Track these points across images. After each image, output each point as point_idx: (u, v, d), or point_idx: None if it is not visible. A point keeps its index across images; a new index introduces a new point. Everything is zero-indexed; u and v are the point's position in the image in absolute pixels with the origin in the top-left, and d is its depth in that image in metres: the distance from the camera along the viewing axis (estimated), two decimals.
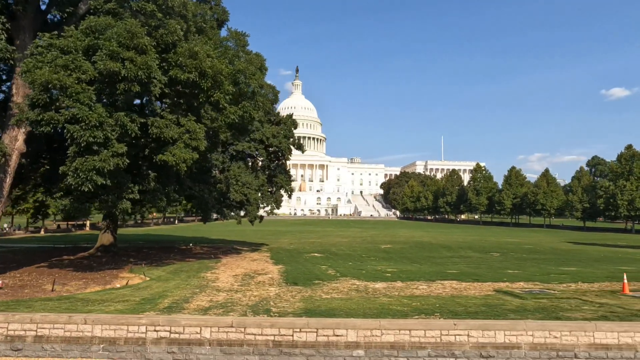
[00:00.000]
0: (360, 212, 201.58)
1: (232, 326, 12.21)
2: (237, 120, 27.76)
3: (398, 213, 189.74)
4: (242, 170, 40.34)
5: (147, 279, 26.75)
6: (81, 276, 28.03)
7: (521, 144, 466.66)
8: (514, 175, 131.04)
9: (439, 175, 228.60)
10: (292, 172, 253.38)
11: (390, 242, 60.92)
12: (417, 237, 72.54)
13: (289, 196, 51.16)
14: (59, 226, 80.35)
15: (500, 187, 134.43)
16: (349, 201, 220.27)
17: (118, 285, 24.02)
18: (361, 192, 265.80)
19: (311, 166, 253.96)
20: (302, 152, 47.26)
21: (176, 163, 25.88)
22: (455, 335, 12.04)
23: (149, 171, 29.54)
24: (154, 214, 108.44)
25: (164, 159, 25.99)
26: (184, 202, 43.49)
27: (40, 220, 69.96)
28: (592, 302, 19.29)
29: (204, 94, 26.65)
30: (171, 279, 27.02)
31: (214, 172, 40.18)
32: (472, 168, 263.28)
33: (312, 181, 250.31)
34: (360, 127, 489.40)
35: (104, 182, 23.71)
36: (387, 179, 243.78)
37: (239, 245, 55.01)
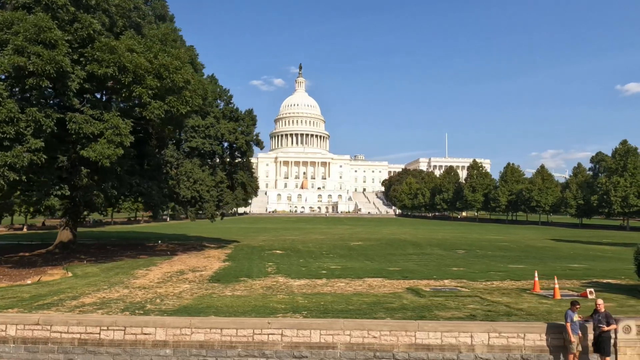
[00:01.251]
0: (360, 209, 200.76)
1: (38, 324, 11.86)
2: (162, 115, 27.38)
3: (398, 211, 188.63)
4: (195, 167, 40.00)
5: (69, 275, 26.60)
6: (9, 272, 27.95)
7: (534, 140, 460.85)
8: (509, 172, 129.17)
9: (440, 172, 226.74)
10: (294, 169, 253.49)
11: (364, 240, 60.25)
12: (397, 235, 71.76)
13: (255, 194, 50.74)
14: (43, 223, 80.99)
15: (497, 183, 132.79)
16: (349, 199, 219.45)
17: (29, 282, 23.83)
18: (364, 189, 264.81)
19: (313, 163, 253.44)
20: (261, 148, 46.73)
21: (98, 159, 25.59)
22: (268, 334, 11.53)
23: (82, 167, 29.34)
24: (146, 212, 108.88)
25: (85, 154, 25.76)
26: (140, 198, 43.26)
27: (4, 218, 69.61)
28: (489, 300, 18.62)
29: (126, 89, 26.35)
30: (95, 276, 26.81)
31: (167, 169, 39.91)
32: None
33: (314, 178, 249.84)
34: (367, 125, 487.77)
35: (18, 178, 23.51)
36: (390, 176, 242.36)
37: (210, 243, 54.82)
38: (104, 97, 28.05)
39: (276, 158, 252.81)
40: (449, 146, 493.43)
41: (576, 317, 11.52)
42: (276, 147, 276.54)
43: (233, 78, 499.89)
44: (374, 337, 11.45)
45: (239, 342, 11.43)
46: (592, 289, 19.15)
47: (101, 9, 26.50)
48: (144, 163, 40.04)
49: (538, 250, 48.59)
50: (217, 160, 45.54)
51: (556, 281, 19.91)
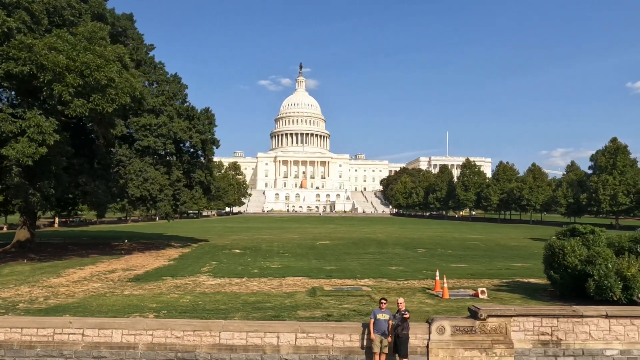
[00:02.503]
0: (357, 208, 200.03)
1: None
2: (86, 114, 27.25)
3: (394, 210, 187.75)
4: (146, 166, 39.89)
5: None
6: None
7: (544, 139, 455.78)
8: (502, 171, 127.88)
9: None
10: (293, 168, 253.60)
11: (335, 239, 59.89)
12: (374, 234, 71.32)
13: (211, 193, 50.62)
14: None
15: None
16: (347, 198, 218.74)
17: None
18: (365, 188, 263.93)
19: (312, 163, 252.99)
20: (217, 147, 46.48)
21: (18, 157, 25.52)
22: (69, 334, 11.28)
23: (13, 166, 29.30)
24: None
25: (5, 153, 25.72)
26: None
27: None
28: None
29: (47, 87, 26.24)
30: (18, 275, 26.90)
31: (119, 168, 39.82)
32: (478, 164, 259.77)
33: (313, 178, 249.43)
34: (370, 125, 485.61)
35: None
36: (388, 175, 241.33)
37: (179, 242, 54.88)
38: (28, 96, 27.94)
39: (275, 157, 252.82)
40: (454, 146, 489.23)
41: (381, 316, 11.08)
42: (276, 146, 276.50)
43: (241, 78, 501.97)
44: (177, 337, 11.16)
45: (39, 342, 11.23)
46: (484, 289, 18.66)
47: (22, 7, 26.40)
48: (94, 162, 40.07)
49: (503, 249, 47.97)
50: (175, 159, 45.39)
51: (445, 280, 19.48)
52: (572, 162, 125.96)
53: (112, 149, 40.59)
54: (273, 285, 23.31)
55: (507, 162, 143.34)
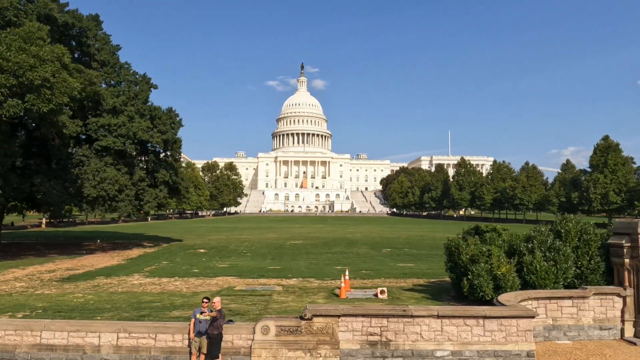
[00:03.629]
0: (355, 208, 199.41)
1: None
2: (21, 114, 27.33)
3: (391, 210, 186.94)
4: (105, 166, 39.97)
5: None
6: None
7: (554, 137, 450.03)
8: (496, 170, 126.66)
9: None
10: (294, 168, 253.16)
11: (309, 239, 59.65)
12: (352, 233, 71.07)
13: (180, 193, 50.68)
14: (12, 223, 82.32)
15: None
16: (347, 198, 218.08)
17: None
18: (366, 188, 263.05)
19: (313, 163, 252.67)
20: (178, 147, 46.39)
21: None
22: None
23: None
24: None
25: None
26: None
27: None
28: (274, 299, 18.06)
29: None
30: None
31: (79, 168, 39.92)
32: (480, 163, 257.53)
33: (313, 178, 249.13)
34: (374, 125, 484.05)
35: None
36: (388, 175, 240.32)
37: (151, 242, 55.10)
38: None
39: (276, 158, 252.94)
40: (462, 146, 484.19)
41: (202, 315, 10.85)
42: (278, 146, 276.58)
43: (249, 79, 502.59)
44: None
45: None
46: (384, 289, 18.33)
47: None
48: (51, 162, 40.23)
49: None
50: (141, 158, 45.48)
51: (343, 279, 19.14)
52: (568, 161, 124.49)
53: (72, 149, 40.76)
54: (193, 284, 23.24)
55: (504, 161, 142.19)
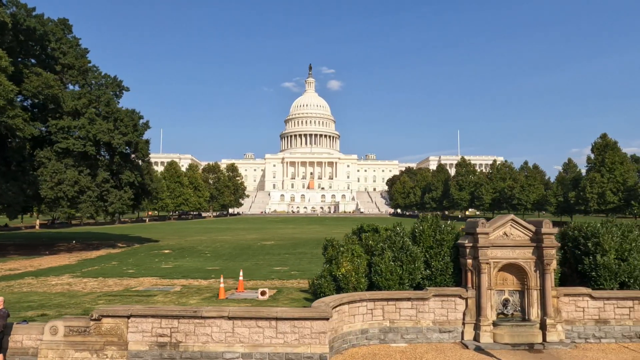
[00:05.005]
0: (360, 209, 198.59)
1: None
2: None
3: (392, 210, 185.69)
4: (63, 167, 40.59)
5: None
6: None
7: (576, 136, 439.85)
8: (495, 169, 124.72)
9: (452, 171, 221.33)
10: (301, 169, 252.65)
11: (284, 239, 59.58)
12: (336, 234, 70.22)
13: (151, 195, 51.17)
14: (6, 224, 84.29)
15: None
16: (352, 198, 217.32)
17: None
18: (374, 189, 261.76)
19: (320, 164, 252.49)
20: (139, 149, 46.75)
21: None
22: None
23: None
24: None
25: None
26: None
27: None
28: (161, 301, 18.07)
29: None
30: None
31: (40, 170, 40.62)
32: (488, 163, 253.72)
33: (320, 179, 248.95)
34: (386, 125, 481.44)
35: None
36: (393, 175, 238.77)
37: (126, 242, 55.90)
38: None
39: (283, 159, 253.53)
40: (477, 146, 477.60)
41: None
42: (286, 147, 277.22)
43: (265, 80, 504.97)
44: None
45: None
46: (266, 290, 18.16)
47: None
48: (11, 164, 41.04)
49: None
50: (106, 160, 46.06)
51: (222, 280, 19.02)
52: (570, 160, 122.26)
53: (32, 152, 41.50)
54: (106, 284, 23.53)
55: (506, 161, 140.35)
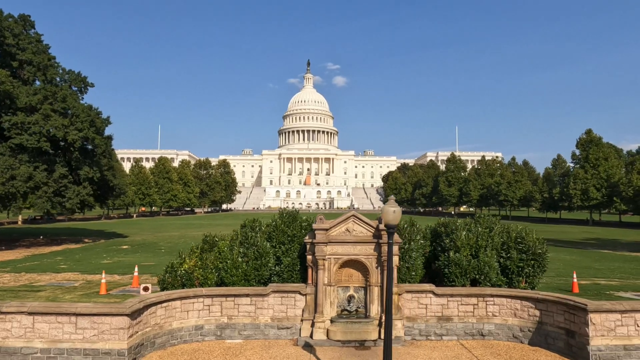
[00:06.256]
0: (354, 205, 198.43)
1: None
2: None
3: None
4: (17, 163, 40.79)
5: None
6: None
7: (579, 133, 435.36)
8: (484, 165, 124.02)
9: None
10: (298, 165, 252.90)
11: None
12: None
13: (114, 191, 51.42)
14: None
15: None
16: (348, 194, 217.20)
17: None
18: (372, 184, 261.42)
19: (317, 160, 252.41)
20: (96, 146, 46.85)
21: None
22: None
23: None
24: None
25: None
26: None
27: None
28: (44, 296, 18.11)
29: None
30: None
31: None
32: (487, 159, 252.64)
33: (317, 175, 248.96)
34: (386, 122, 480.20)
35: None
36: (389, 171, 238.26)
37: (92, 238, 56.40)
38: None
39: (280, 155, 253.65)
40: (479, 142, 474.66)
41: None
42: (284, 143, 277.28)
43: (270, 76, 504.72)
44: None
45: None
46: (148, 285, 18.12)
47: None
48: None
49: None
50: (63, 155, 46.26)
51: (104, 276, 19.04)
52: (559, 156, 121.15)
53: None
54: (17, 279, 23.59)
55: (497, 157, 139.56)
